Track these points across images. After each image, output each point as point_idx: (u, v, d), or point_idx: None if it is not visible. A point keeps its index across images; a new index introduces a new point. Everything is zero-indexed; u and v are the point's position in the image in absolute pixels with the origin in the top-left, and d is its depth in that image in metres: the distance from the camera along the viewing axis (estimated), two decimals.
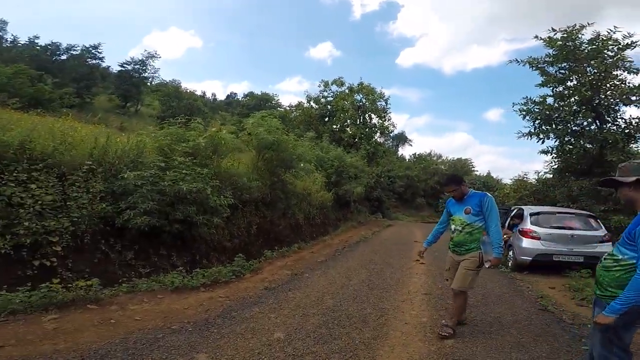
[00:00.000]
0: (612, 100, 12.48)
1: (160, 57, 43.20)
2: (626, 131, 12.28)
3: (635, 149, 12.87)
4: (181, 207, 6.22)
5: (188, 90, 49.25)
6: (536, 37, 13.75)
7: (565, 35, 12.55)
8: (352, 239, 12.37)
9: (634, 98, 11.90)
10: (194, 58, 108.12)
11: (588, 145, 12.91)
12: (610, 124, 12.79)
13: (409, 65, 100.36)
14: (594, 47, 12.28)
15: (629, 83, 12.14)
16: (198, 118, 9.03)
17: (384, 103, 27.61)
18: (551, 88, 13.50)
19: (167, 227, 6.13)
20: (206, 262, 7.22)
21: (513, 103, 14.47)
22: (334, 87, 28.09)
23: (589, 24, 12.53)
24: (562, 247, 6.97)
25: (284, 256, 8.37)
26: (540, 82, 13.73)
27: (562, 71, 13.18)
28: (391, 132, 28.53)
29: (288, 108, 34.82)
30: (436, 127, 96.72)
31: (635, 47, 11.77)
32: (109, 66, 43.35)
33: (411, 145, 32.22)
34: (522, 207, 8.72)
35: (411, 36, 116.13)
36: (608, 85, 12.40)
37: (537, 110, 13.51)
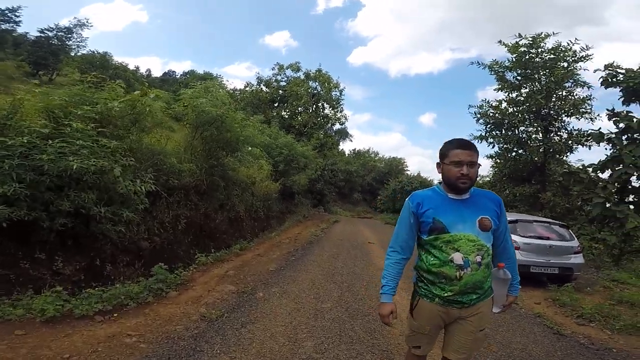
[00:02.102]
0: (560, 110, 13.00)
1: (91, 26, 36.87)
2: (568, 142, 12.90)
3: (570, 162, 13.68)
4: (71, 193, 4.28)
5: (118, 63, 42.90)
6: (500, 42, 13.89)
7: (530, 42, 12.80)
8: (301, 236, 11.08)
9: (581, 110, 12.52)
10: (136, 33, 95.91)
11: (533, 154, 13.35)
12: (553, 134, 13.38)
13: (359, 63, 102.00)
14: (552, 56, 12.66)
15: (576, 95, 12.76)
16: (119, 80, 6.72)
17: (338, 93, 26.65)
18: (506, 93, 13.80)
19: (47, 222, 4.16)
20: (112, 270, 5.32)
21: (469, 105, 14.69)
22: (289, 72, 26.33)
23: (553, 33, 12.94)
24: (540, 258, 6.56)
25: (222, 260, 6.76)
26: (497, 87, 13.98)
27: (518, 78, 13.50)
28: (343, 124, 27.74)
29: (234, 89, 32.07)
30: (375, 126, 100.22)
31: (588, 60, 12.35)
32: (27, 32, 36.00)
33: (351, 141, 31.92)
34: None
35: (366, 36, 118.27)
36: (558, 95, 12.89)
37: (491, 114, 13.69)
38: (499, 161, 14.87)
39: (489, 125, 13.94)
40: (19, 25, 33.04)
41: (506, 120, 13.52)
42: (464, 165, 1.81)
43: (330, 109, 26.51)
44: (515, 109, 13.51)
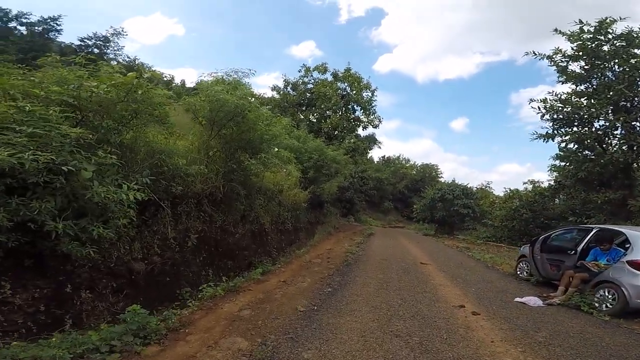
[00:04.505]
0: None
1: (126, 35, 38.08)
2: None
3: None
4: (13, 200, 2.94)
5: (154, 71, 44.06)
6: (556, 30, 11.80)
7: (597, 28, 10.69)
8: (334, 254, 9.40)
9: None
10: (173, 45, 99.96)
11: (616, 153, 10.91)
12: (639, 129, 10.94)
13: (385, 71, 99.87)
14: (624, 43, 10.44)
15: None
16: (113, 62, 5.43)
17: (370, 94, 24.86)
18: (574, 85, 11.60)
19: None
20: (90, 298, 3.96)
21: (530, 99, 12.71)
22: (316, 74, 24.98)
23: (621, 18, 10.76)
24: None
25: (236, 291, 5.21)
26: (562, 79, 11.81)
27: (586, 67, 11.29)
28: (376, 127, 25.73)
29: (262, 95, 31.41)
30: (404, 132, 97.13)
31: None
32: (71, 43, 37.87)
33: (380, 147, 30.08)
34: (615, 227, 6.29)
35: (391, 43, 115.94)
36: None
37: (559, 108, 11.48)
38: (569, 163, 12.48)
39: (556, 122, 11.70)
40: (61, 34, 34.26)
41: (577, 115, 11.24)
42: None
43: (362, 110, 24.77)
44: (590, 102, 11.21)
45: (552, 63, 12.15)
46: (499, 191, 31.86)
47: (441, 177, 42.75)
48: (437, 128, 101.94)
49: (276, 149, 8.55)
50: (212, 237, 6.50)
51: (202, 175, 5.84)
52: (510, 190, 19.41)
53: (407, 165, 46.59)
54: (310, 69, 24.83)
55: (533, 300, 5.41)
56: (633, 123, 11.18)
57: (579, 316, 4.86)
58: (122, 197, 3.67)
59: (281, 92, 24.90)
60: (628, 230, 5.75)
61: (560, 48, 11.85)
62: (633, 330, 4.26)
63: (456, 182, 23.34)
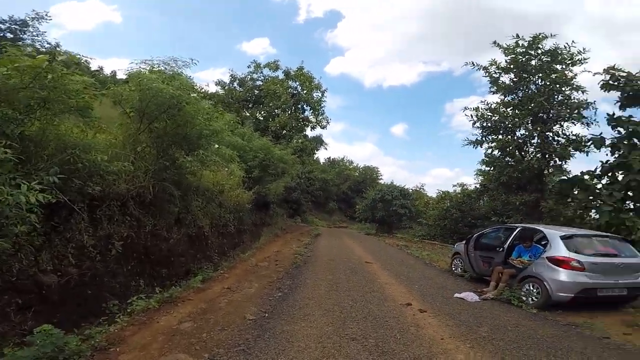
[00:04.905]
0: (558, 115, 12.09)
1: (50, 19, 33.04)
2: (567, 148, 11.98)
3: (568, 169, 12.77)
4: None
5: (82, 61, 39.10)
6: (494, 43, 12.95)
7: (530, 42, 11.93)
8: (283, 256, 9.11)
9: (575, 115, 11.68)
10: (109, 33, 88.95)
11: (532, 161, 12.29)
12: (551, 139, 12.45)
13: (336, 73, 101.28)
14: (548, 59, 11.83)
15: (573, 99, 11.92)
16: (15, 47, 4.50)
17: (320, 94, 24.82)
18: (503, 96, 12.83)
19: None
20: None
21: (465, 107, 13.75)
22: (267, 71, 24.21)
23: (551, 35, 12.17)
24: (607, 279, 5.40)
25: (174, 302, 4.67)
26: (493, 89, 13.00)
27: (515, 79, 12.57)
28: (324, 127, 25.76)
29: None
30: (350, 135, 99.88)
31: (584, 63, 11.58)
32: None
33: (326, 149, 30.61)
34: (535, 226, 6.90)
35: (344, 46, 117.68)
36: (558, 99, 12.00)
37: (488, 116, 12.62)
38: (493, 168, 13.76)
39: (485, 130, 12.84)
40: None
41: (503, 124, 12.47)
42: None
43: (311, 111, 24.68)
44: (514, 112, 12.49)
45: (487, 74, 13.33)
46: (432, 193, 34.22)
47: (381, 179, 44.70)
48: (379, 132, 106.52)
49: (217, 146, 8.00)
50: (142, 243, 5.79)
51: (128, 173, 5.15)
52: (442, 192, 20.88)
53: (351, 167, 47.94)
54: (261, 65, 24.05)
55: (470, 296, 5.77)
56: (547, 133, 12.72)
57: (512, 310, 5.24)
58: (19, 199, 3.00)
59: (226, 87, 23.70)
60: (546, 229, 6.35)
61: (495, 60, 13.01)
62: (558, 322, 4.69)
63: (394, 184, 24.47)
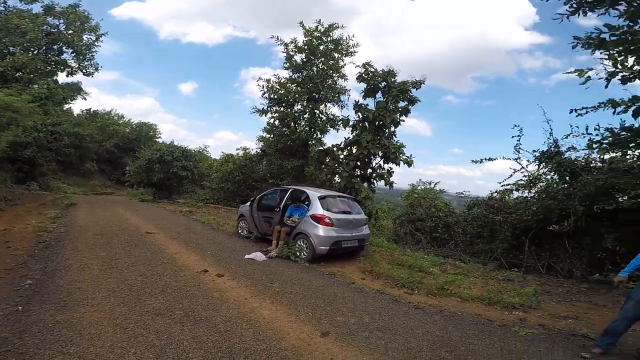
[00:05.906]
0: (326, 97, 14.75)
1: None
2: (327, 124, 14.98)
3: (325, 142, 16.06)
4: None
5: None
6: (300, 23, 13.97)
7: (327, 28, 13.51)
8: (17, 235, 6.46)
9: (342, 98, 14.72)
10: None
11: (302, 131, 14.58)
12: (318, 116, 15.15)
13: (125, 17, 77.67)
14: (332, 47, 14.00)
15: (338, 85, 14.89)
16: None
17: (93, 38, 18.93)
18: (292, 73, 14.22)
19: None
20: None
21: (259, 77, 14.27)
22: (15, 2, 15.61)
23: (342, 27, 14.23)
24: (347, 233, 6.66)
25: None
26: (287, 66, 14.22)
27: (304, 59, 14.19)
28: (89, 75, 19.71)
29: None
30: (122, 87, 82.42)
31: (353, 55, 14.50)
32: None
33: (86, 99, 24.11)
34: (301, 187, 7.62)
35: None
36: (328, 83, 14.55)
37: (276, 89, 13.73)
38: (272, 136, 15.33)
39: (271, 101, 13.95)
40: None
41: (286, 98, 13.98)
42: None
43: (74, 54, 18.57)
44: (297, 89, 14.17)
45: (285, 50, 14.23)
46: (215, 155, 34.06)
47: (159, 137, 40.17)
48: (163, 88, 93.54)
49: None
50: None
51: None
52: (226, 154, 21.19)
53: (121, 122, 39.96)
54: None
55: (259, 256, 6.27)
56: (315, 111, 15.35)
57: (292, 265, 6.04)
58: None
59: None
60: (308, 190, 7.31)
61: (296, 39, 14.05)
62: (323, 273, 5.78)
63: (175, 143, 22.57)
